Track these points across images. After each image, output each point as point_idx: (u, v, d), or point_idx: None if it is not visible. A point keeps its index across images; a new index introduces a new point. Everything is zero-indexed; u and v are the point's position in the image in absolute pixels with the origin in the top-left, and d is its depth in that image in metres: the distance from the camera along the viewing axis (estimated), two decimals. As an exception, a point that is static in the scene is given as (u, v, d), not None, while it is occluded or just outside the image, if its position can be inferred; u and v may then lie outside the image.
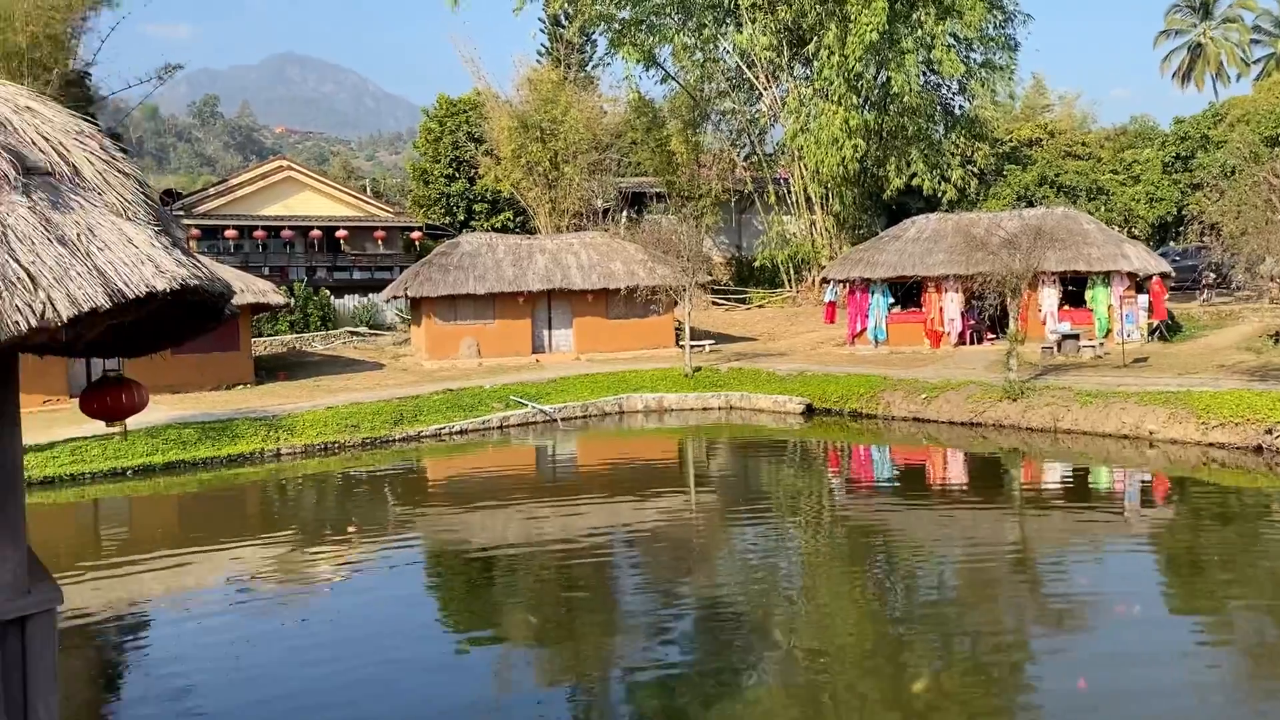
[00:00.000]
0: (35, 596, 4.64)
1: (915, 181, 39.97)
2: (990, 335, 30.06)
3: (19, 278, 3.67)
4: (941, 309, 29.73)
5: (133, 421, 6.68)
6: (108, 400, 5.68)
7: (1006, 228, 27.21)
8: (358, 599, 12.03)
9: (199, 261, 4.37)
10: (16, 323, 3.59)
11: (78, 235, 3.93)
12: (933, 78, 41.93)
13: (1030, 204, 38.10)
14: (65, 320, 3.69)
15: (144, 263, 3.93)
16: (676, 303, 30.87)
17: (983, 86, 40.63)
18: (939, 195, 40.10)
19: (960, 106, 43.63)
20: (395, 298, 33.56)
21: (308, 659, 9.66)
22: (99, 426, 19.36)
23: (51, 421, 20.85)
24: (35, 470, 17.97)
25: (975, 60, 40.67)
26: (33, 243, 3.80)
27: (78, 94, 35.72)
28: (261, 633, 10.58)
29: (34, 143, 4.22)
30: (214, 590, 12.51)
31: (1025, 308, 25.27)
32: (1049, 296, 28.76)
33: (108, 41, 58.86)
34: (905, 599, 11.33)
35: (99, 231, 4.00)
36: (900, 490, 17.78)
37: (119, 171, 4.38)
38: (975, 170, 42.68)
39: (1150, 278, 28.17)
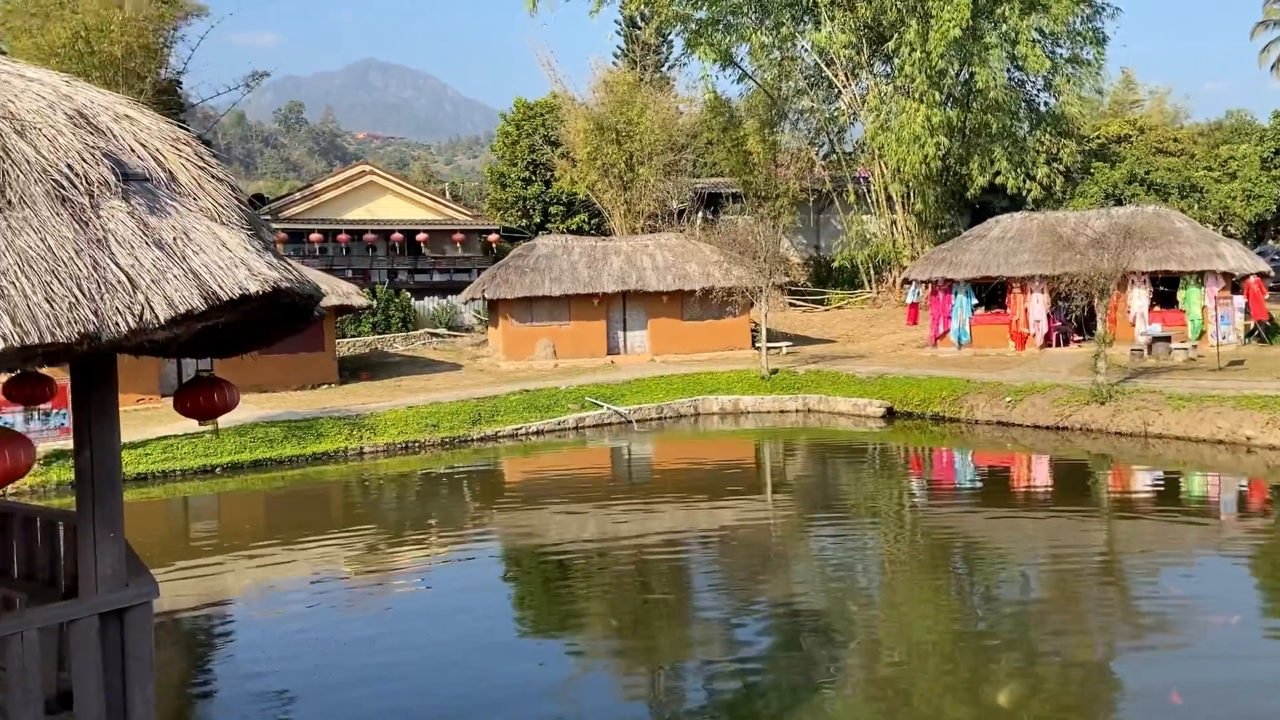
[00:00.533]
0: (134, 589, 4.79)
1: (999, 180, 39.11)
2: (1077, 337, 29.29)
3: (119, 280, 3.78)
4: (1027, 310, 29.05)
5: (223, 420, 6.82)
6: (200, 399, 5.84)
7: (1094, 226, 26.49)
8: (438, 595, 12.19)
9: (289, 264, 4.45)
10: (117, 324, 3.70)
11: (174, 239, 4.04)
12: (1017, 74, 40.97)
13: (1119, 202, 36.98)
14: (163, 322, 3.79)
15: (237, 265, 4.02)
16: (753, 304, 30.68)
17: (1069, 82, 39.55)
18: (1024, 194, 39.19)
19: (1046, 103, 42.54)
20: (473, 299, 33.98)
21: (388, 652, 9.81)
22: (190, 425, 19.90)
23: (145, 420, 21.58)
24: (129, 468, 18.59)
25: (1061, 56, 39.60)
26: (132, 247, 3.92)
27: (169, 102, 36.94)
28: (344, 626, 10.78)
29: (132, 149, 4.35)
30: (299, 584, 12.78)
31: (1114, 309, 24.54)
32: (1139, 297, 27.88)
33: (198, 50, 60.66)
34: (988, 606, 11.07)
35: (194, 235, 4.11)
36: (983, 495, 17.40)
37: (213, 177, 4.49)
38: (1061, 168, 41.56)
39: (1247, 278, 27.15)
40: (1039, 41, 37.41)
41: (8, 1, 35.86)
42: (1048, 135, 40.87)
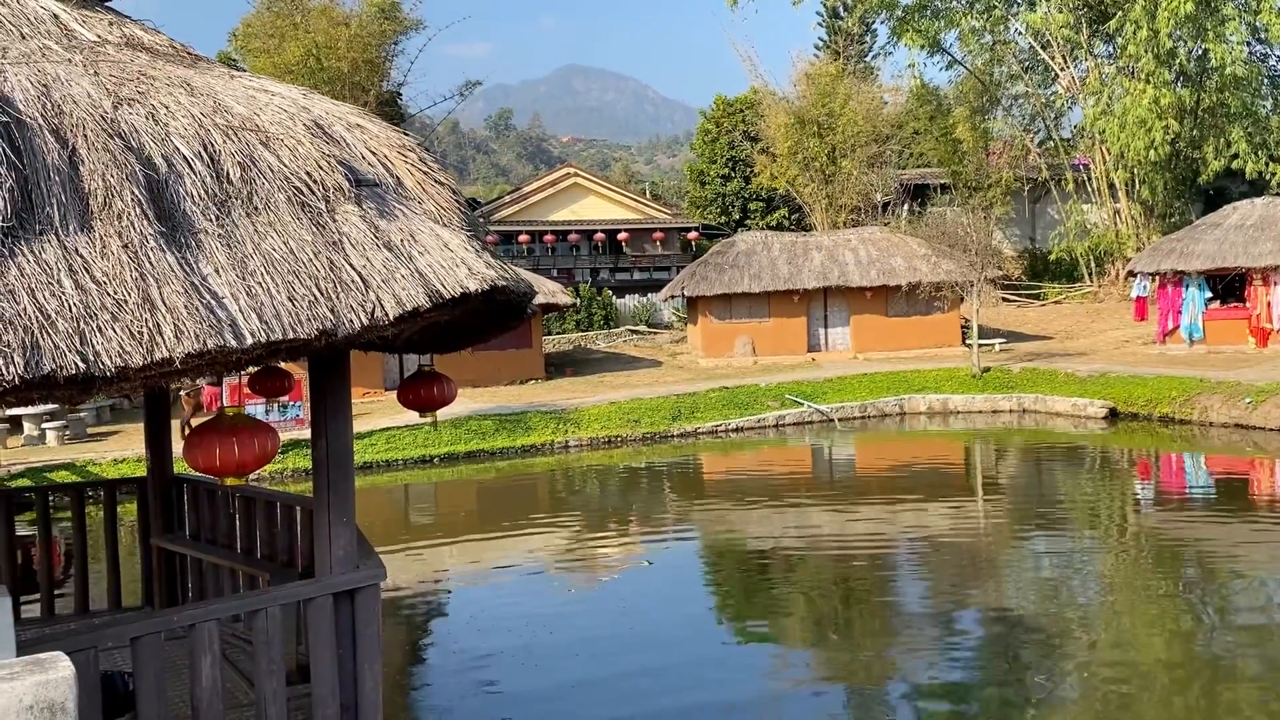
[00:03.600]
0: (364, 571, 5.08)
1: (1236, 164, 35.94)
2: (1331, 333, 26.57)
3: (353, 280, 4.02)
4: (1269, 304, 26.58)
5: (440, 413, 7.15)
6: (421, 393, 6.15)
7: (1353, 211, 23.95)
8: (640, 588, 12.37)
9: (505, 264, 4.61)
10: (351, 321, 3.93)
11: (401, 240, 4.25)
12: (1258, 47, 37.59)
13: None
14: (392, 319, 4.00)
15: (459, 265, 4.20)
16: (963, 299, 29.53)
17: (1321, 52, 36.00)
18: (1266, 177, 35.85)
19: (1293, 77, 38.86)
20: (673, 297, 34.31)
21: (592, 643, 10.04)
22: (411, 417, 21.02)
23: (369, 412, 22.99)
24: (356, 457, 19.78)
25: (1312, 24, 36.02)
26: (364, 249, 4.15)
27: (391, 113, 39.22)
28: (551, 614, 11.11)
29: (363, 157, 4.61)
30: (510, 568, 13.30)
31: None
32: (1407, 288, 25.03)
33: (416, 63, 64.10)
34: (1223, 623, 10.18)
35: (419, 237, 4.31)
36: (1218, 503, 16.03)
37: (436, 181, 4.69)
38: (1312, 149, 37.79)
39: None
40: (1285, 9, 34.14)
41: (248, 25, 39.06)
42: (1295, 113, 37.25)
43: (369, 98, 37.21)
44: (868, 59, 51.01)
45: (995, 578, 12.26)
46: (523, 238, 44.90)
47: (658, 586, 12.50)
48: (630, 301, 43.71)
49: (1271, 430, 19.90)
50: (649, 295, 42.79)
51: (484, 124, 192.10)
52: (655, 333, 41.21)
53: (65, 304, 3.47)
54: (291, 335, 3.78)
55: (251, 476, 5.01)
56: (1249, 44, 36.01)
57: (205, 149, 4.13)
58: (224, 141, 4.19)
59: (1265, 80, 37.97)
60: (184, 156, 4.07)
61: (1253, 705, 8.02)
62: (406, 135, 5.05)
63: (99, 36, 4.91)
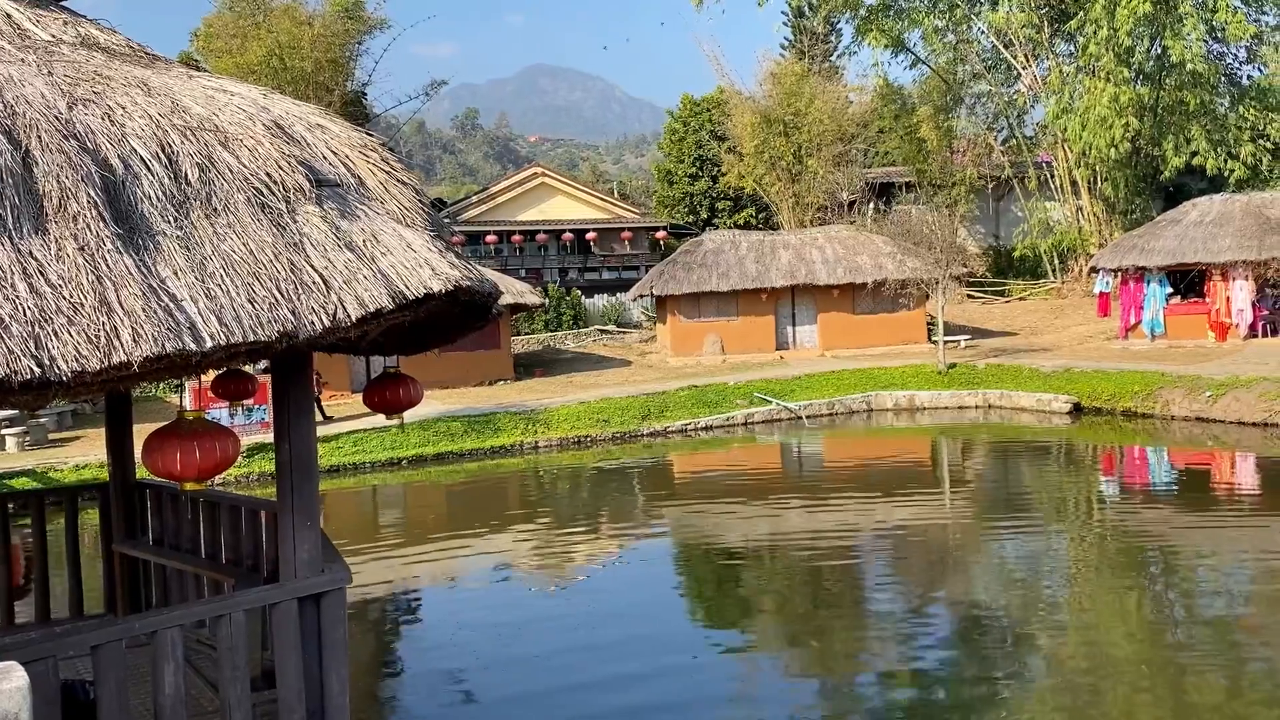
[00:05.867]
0: (329, 575, 5.04)
1: (1196, 161, 36.43)
2: (1288, 327, 27.06)
3: (314, 282, 3.98)
4: (1228, 299, 27.02)
5: (407, 415, 7.10)
6: (387, 395, 6.11)
7: (1308, 207, 24.37)
8: (611, 588, 12.37)
9: (469, 264, 4.59)
10: (312, 323, 3.89)
11: (364, 241, 4.22)
12: (1216, 45, 38.13)
13: (1337, 180, 33.92)
14: (354, 320, 3.97)
15: (422, 266, 4.17)
16: (928, 296, 29.77)
17: (1276, 51, 36.53)
18: (1225, 174, 36.37)
19: (1249, 75, 39.41)
20: (641, 296, 34.34)
21: (564, 643, 10.01)
22: (378, 419, 20.84)
23: (335, 414, 22.79)
24: (322, 460, 19.68)
25: (1267, 22, 36.63)
26: (325, 249, 4.12)
27: (355, 112, 38.91)
28: (522, 616, 11.07)
29: (324, 157, 4.57)
30: (479, 570, 13.25)
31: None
32: (1361, 282, 25.53)
33: (380, 63, 63.64)
34: (1187, 615, 10.34)
35: (382, 237, 4.28)
36: (1181, 496, 16.28)
37: (398, 181, 4.67)
38: (1268, 146, 38.39)
39: None
40: (1240, 7, 34.69)
41: (209, 25, 38.63)
42: (1252, 110, 37.78)
43: (333, 98, 36.91)
44: (833, 58, 51.26)
45: (963, 571, 12.37)
46: (490, 238, 44.74)
47: (629, 585, 12.49)
48: (599, 301, 43.68)
49: (1231, 423, 20.22)
50: (618, 295, 42.79)
51: (450, 124, 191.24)
52: (624, 332, 41.22)
53: (19, 308, 3.41)
54: (252, 338, 3.74)
55: (216, 480, 4.96)
56: (1206, 42, 36.53)
57: (163, 150, 4.08)
58: (182, 142, 4.14)
59: (1223, 78, 38.53)
60: (141, 158, 4.02)
61: (1216, 694, 8.15)
62: (369, 135, 5.02)
63: (53, 36, 4.84)
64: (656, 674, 9.11)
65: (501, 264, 42.53)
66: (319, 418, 23.04)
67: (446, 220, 42.74)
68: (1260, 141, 37.69)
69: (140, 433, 6.02)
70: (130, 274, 3.65)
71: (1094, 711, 7.95)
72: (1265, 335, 27.02)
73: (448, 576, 13.24)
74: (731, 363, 30.47)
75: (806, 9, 51.39)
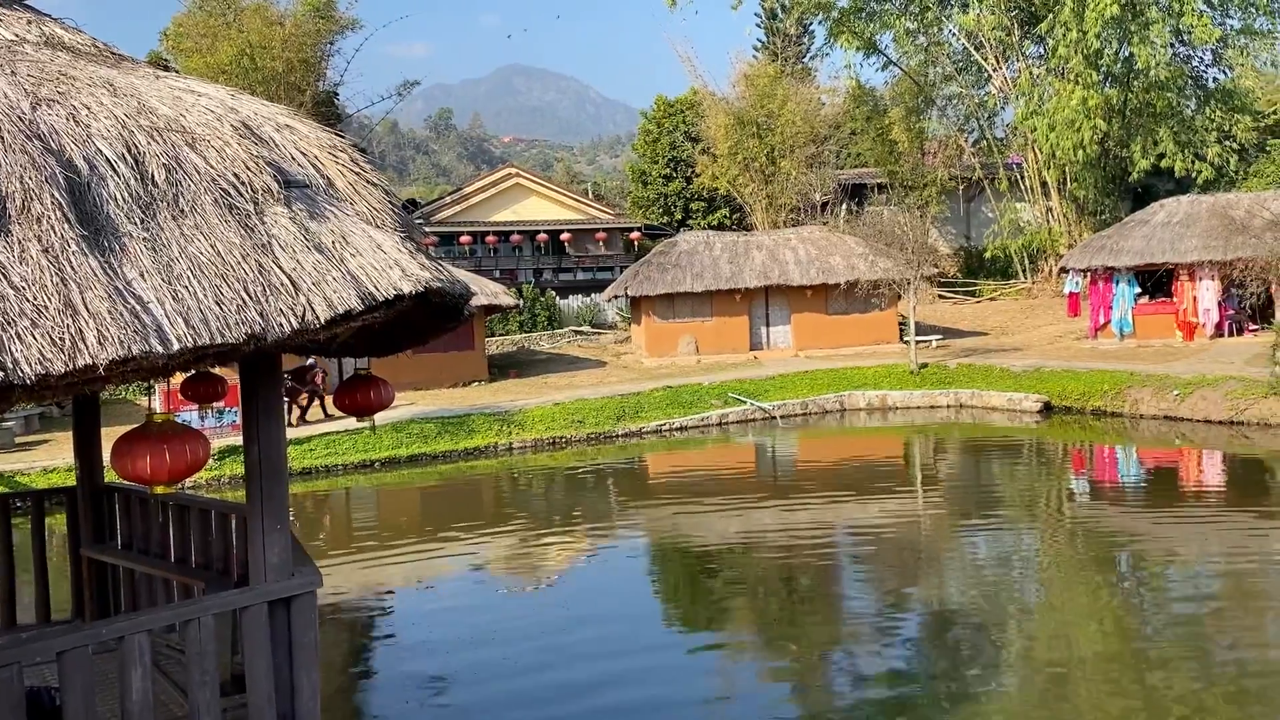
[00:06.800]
0: (299, 579, 5.01)
1: (1164, 162, 36.87)
2: (1253, 327, 27.41)
3: (282, 283, 3.96)
4: (1195, 298, 27.38)
5: (380, 417, 7.06)
6: (359, 397, 6.07)
7: (1272, 209, 24.78)
8: (585, 589, 12.37)
9: (440, 265, 4.58)
10: (281, 325, 3.87)
11: (333, 242, 4.20)
12: (1182, 49, 38.62)
13: (1300, 181, 34.38)
14: (323, 322, 3.95)
15: (392, 267, 4.16)
16: (900, 297, 29.95)
17: (1242, 54, 37.04)
18: (1192, 176, 36.83)
19: (1215, 78, 39.93)
20: (616, 297, 34.34)
21: (538, 638, 10.00)
22: (350, 422, 20.79)
23: (307, 417, 22.63)
24: (294, 462, 19.54)
25: (1232, 26, 37.11)
26: (293, 251, 4.10)
27: (327, 113, 38.68)
28: (496, 619, 11.05)
29: (293, 158, 4.55)
30: (453, 573, 13.20)
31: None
32: (1324, 282, 25.89)
33: (353, 63, 63.38)
34: (1157, 612, 10.47)
35: (351, 239, 4.26)
36: (1150, 494, 16.48)
37: (368, 182, 4.65)
38: (1234, 147, 38.91)
39: None
40: (1205, 12, 35.15)
41: (179, 24, 38.27)
42: (1218, 112, 38.30)
43: (305, 98, 36.65)
44: (805, 60, 51.52)
45: (936, 569, 12.46)
46: (464, 239, 44.57)
47: (603, 586, 12.50)
48: (574, 302, 43.63)
49: (1198, 421, 20.48)
50: (593, 295, 42.75)
51: (424, 124, 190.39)
52: (599, 333, 41.18)
53: (-18, 310, 3.37)
54: (219, 340, 3.72)
55: (187, 483, 4.92)
56: (1173, 46, 36.99)
57: (129, 151, 4.04)
58: (148, 143, 4.11)
59: (1189, 81, 39.02)
60: (107, 158, 3.98)
61: (1184, 689, 8.25)
62: (339, 135, 4.99)
63: (16, 35, 4.79)
64: (631, 674, 9.12)
65: (476, 264, 42.37)
66: (321, 415, 22.91)
67: (420, 221, 42.57)
68: (1226, 143, 38.22)
69: (109, 436, 5.96)
70: (96, 276, 3.61)
71: (1064, 706, 8.04)
72: (1230, 335, 27.39)
73: (420, 579, 13.18)
74: (706, 363, 30.53)
75: (779, 11, 51.57)
